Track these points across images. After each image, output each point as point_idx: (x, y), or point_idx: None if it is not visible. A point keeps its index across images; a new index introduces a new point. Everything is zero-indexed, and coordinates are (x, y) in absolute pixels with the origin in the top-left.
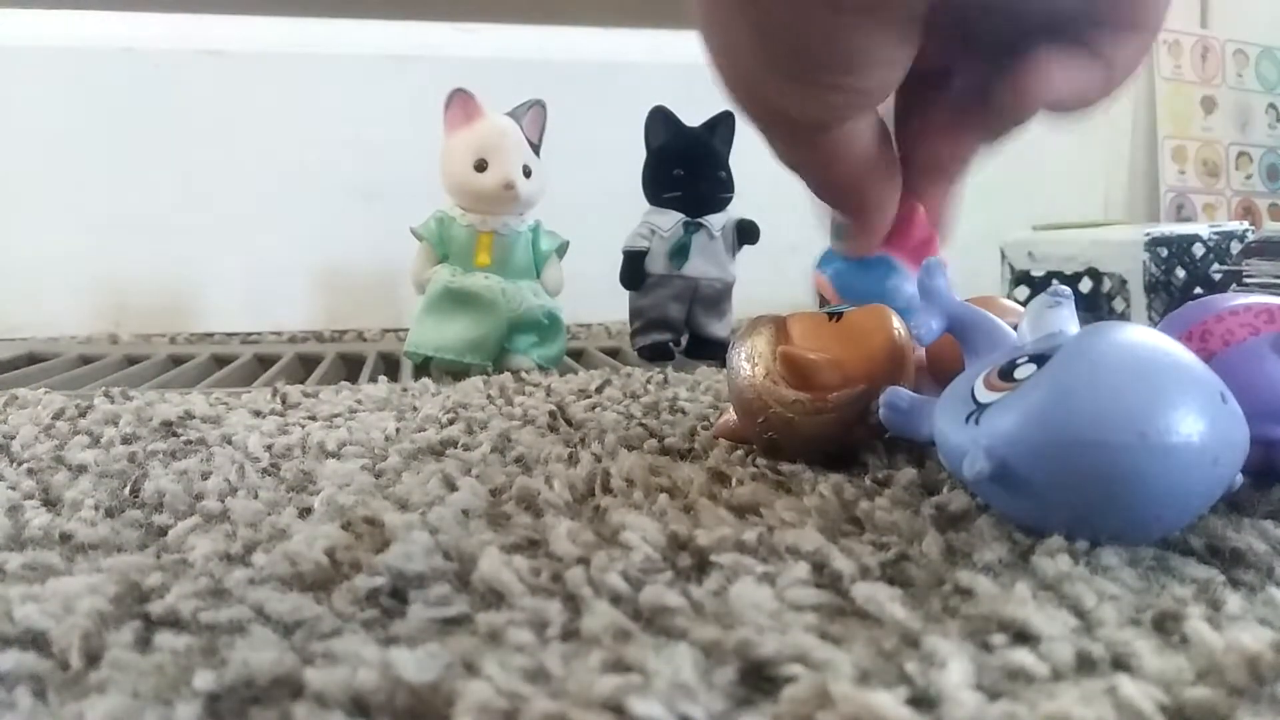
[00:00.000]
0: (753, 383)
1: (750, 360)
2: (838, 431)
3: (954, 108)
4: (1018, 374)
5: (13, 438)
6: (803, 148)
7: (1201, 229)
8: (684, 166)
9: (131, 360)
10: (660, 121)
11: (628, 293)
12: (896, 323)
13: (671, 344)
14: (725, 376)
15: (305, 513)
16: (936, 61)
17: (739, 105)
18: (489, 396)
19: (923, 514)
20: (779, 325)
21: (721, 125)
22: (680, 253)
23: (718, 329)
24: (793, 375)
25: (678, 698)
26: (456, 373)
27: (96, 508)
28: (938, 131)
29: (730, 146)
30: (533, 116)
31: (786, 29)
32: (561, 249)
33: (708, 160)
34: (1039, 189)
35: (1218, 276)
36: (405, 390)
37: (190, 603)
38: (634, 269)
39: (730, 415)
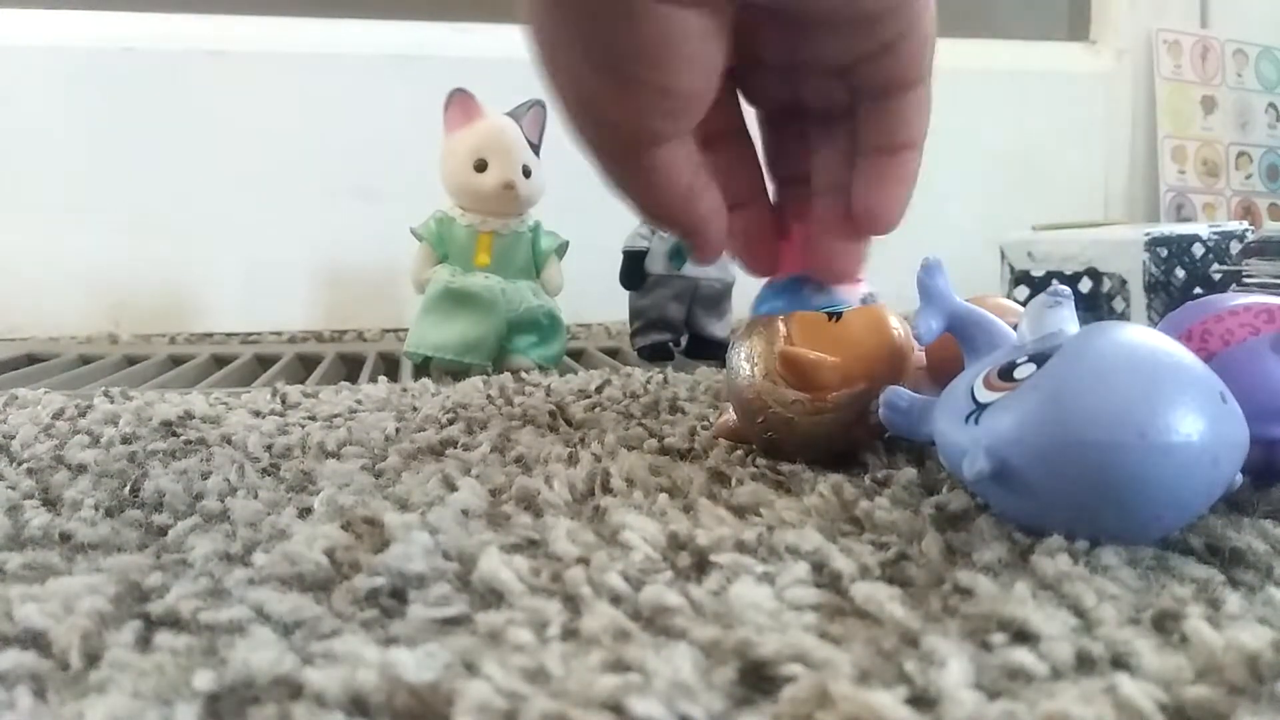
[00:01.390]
0: (753, 383)
1: (750, 360)
2: (837, 431)
3: (832, 210)
4: (1017, 374)
5: (13, 438)
6: (627, 167)
7: (1201, 229)
8: None
9: (131, 360)
10: None
11: (628, 293)
12: (896, 323)
13: (671, 344)
14: (725, 376)
15: (305, 513)
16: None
17: (569, 116)
18: (489, 396)
19: (922, 514)
20: (779, 325)
21: None
22: (680, 253)
23: (718, 329)
24: (792, 375)
25: (678, 698)
26: (456, 373)
27: (96, 508)
28: (825, 232)
29: None
30: (533, 116)
31: (591, 16)
32: (561, 249)
33: None
34: (1039, 189)
35: (1218, 276)
36: (405, 390)
37: (190, 603)
38: (634, 269)
39: (730, 415)
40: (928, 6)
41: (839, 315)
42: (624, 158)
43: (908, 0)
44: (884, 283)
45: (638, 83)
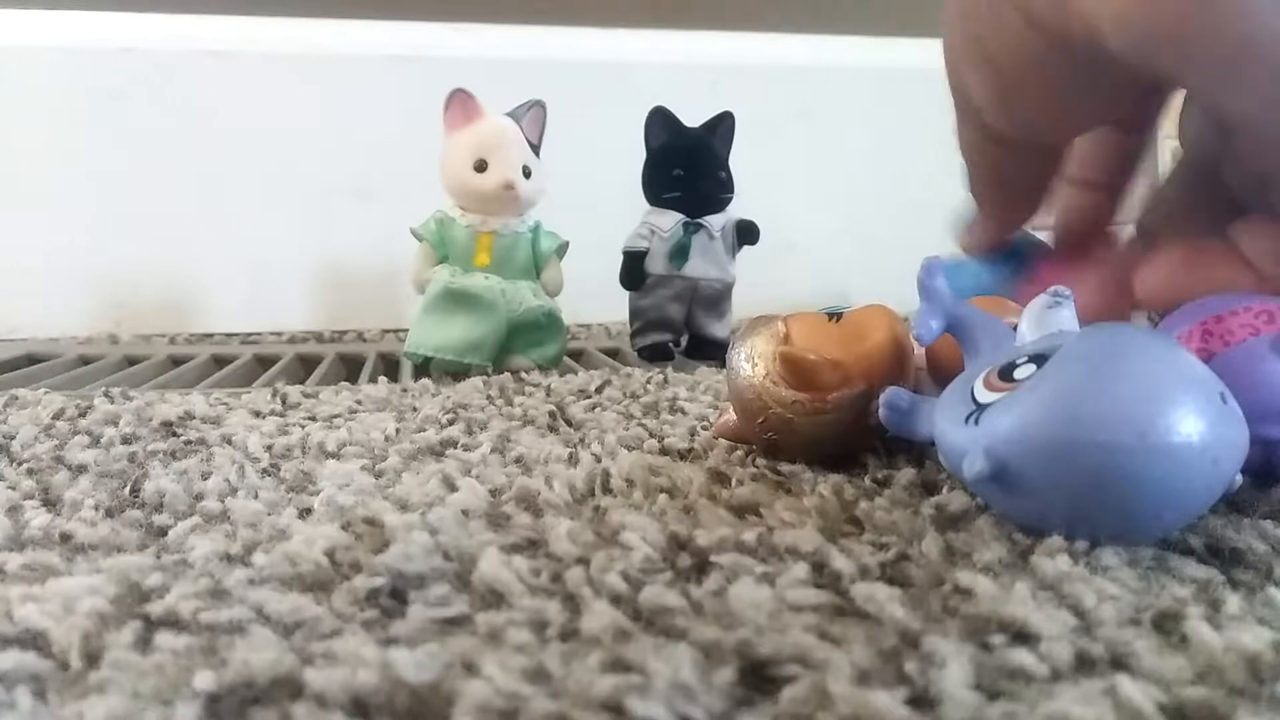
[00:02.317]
0: (752, 383)
1: (750, 360)
2: (837, 432)
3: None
4: (1018, 374)
5: (13, 438)
6: (965, 136)
7: None
8: (684, 167)
9: (131, 360)
10: (660, 121)
11: (628, 293)
12: (897, 322)
13: (671, 344)
14: (725, 376)
15: (305, 513)
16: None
17: (949, 83)
18: (489, 397)
19: (922, 514)
20: (779, 325)
21: (721, 125)
22: (680, 253)
23: (718, 329)
24: (792, 375)
25: (677, 698)
26: (456, 373)
27: (96, 508)
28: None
29: (730, 147)
30: (533, 117)
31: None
32: (561, 249)
33: (708, 160)
34: None
35: None
36: (405, 391)
37: (190, 603)
38: (634, 269)
39: (730, 415)
40: None
41: (839, 315)
42: (970, 126)
43: None
44: (884, 283)
45: (997, 86)
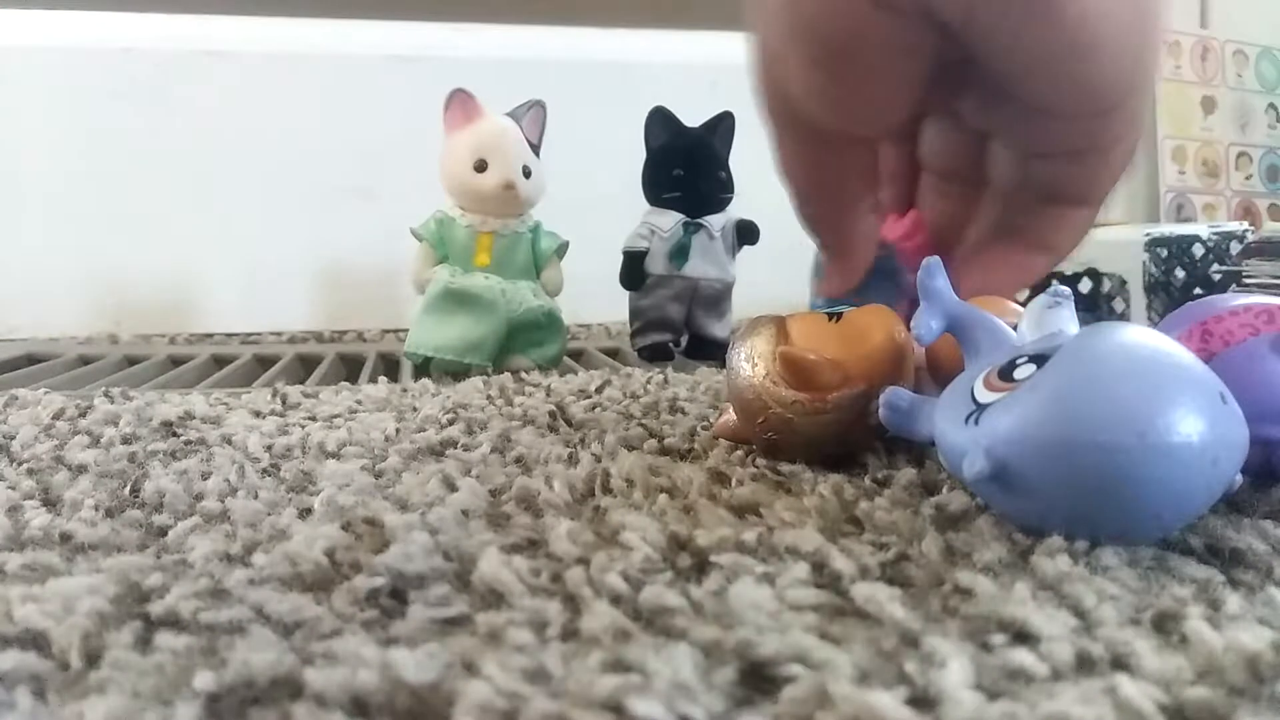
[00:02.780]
0: (752, 383)
1: (750, 360)
2: (837, 432)
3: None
4: (1017, 374)
5: (13, 438)
6: (787, 144)
7: (1201, 229)
8: (684, 167)
9: (131, 360)
10: (660, 121)
11: (628, 293)
12: (896, 323)
13: (671, 344)
14: (725, 376)
15: (305, 513)
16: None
17: (761, 79)
18: (489, 397)
19: (922, 514)
20: (779, 325)
21: (721, 125)
22: (680, 253)
23: (718, 329)
24: (792, 375)
25: (678, 698)
26: (456, 373)
27: (96, 508)
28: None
29: (730, 147)
30: (533, 117)
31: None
32: (561, 249)
33: (708, 160)
34: None
35: (1217, 277)
36: (405, 391)
37: (190, 603)
38: (634, 269)
39: (730, 415)
40: (1130, 140)
41: (839, 315)
42: (791, 136)
43: (1118, 120)
44: None
45: (825, 69)
